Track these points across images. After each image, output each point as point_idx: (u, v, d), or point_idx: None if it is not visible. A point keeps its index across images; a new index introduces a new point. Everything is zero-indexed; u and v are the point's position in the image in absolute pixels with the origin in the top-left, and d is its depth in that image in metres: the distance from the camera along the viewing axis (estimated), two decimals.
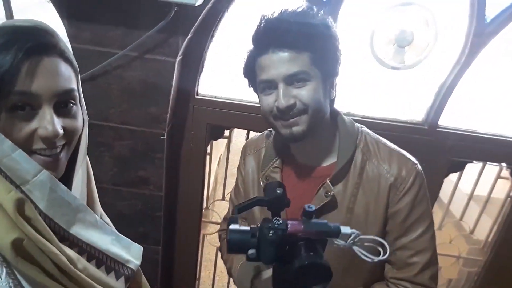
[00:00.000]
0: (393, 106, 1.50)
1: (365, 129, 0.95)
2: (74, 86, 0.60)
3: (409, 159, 0.90)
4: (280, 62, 0.81)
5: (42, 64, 0.54)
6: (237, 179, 1.09)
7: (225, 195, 1.81)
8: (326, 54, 0.84)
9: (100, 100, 1.32)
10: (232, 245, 0.65)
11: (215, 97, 1.49)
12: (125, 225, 1.59)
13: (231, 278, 1.94)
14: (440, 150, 1.48)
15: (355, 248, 0.65)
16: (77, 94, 0.60)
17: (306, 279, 0.61)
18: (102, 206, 0.74)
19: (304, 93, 0.82)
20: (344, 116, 0.94)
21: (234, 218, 0.68)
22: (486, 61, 1.41)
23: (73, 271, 0.56)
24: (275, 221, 0.63)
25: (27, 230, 0.52)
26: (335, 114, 0.93)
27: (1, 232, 0.51)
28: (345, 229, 0.65)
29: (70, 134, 0.59)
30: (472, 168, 1.59)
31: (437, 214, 1.79)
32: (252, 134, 1.65)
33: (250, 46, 0.88)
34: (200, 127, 1.50)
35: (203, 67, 1.43)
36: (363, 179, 0.88)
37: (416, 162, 0.90)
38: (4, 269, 0.52)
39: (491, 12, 1.29)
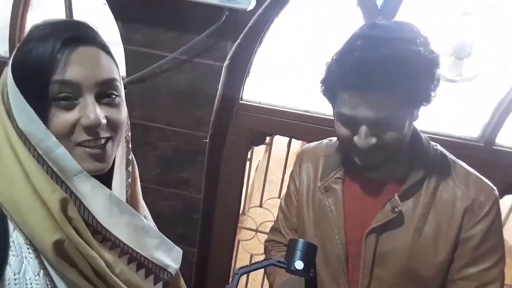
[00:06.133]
0: (447, 120, 1.41)
1: (440, 147, 0.89)
2: (116, 76, 0.59)
3: (487, 183, 0.84)
4: (367, 105, 0.72)
5: (80, 53, 0.53)
6: (289, 187, 1.04)
7: (263, 202, 1.79)
8: (420, 89, 0.74)
9: (148, 101, 1.35)
10: None
11: (259, 103, 1.48)
12: (164, 224, 1.61)
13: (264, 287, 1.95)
14: (496, 170, 1.38)
15: None
16: (119, 85, 0.59)
17: None
18: None
19: (389, 134, 0.75)
20: (420, 133, 0.88)
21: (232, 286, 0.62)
22: None
23: (109, 276, 0.55)
24: None
25: (69, 232, 0.51)
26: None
27: (43, 232, 0.50)
28: None
29: (114, 126, 0.58)
30: None
31: None
32: (294, 142, 1.64)
33: (333, 53, 0.78)
34: (242, 132, 1.49)
35: (249, 72, 1.42)
36: (436, 199, 0.82)
37: (495, 187, 0.83)
38: (41, 270, 0.52)
39: None
